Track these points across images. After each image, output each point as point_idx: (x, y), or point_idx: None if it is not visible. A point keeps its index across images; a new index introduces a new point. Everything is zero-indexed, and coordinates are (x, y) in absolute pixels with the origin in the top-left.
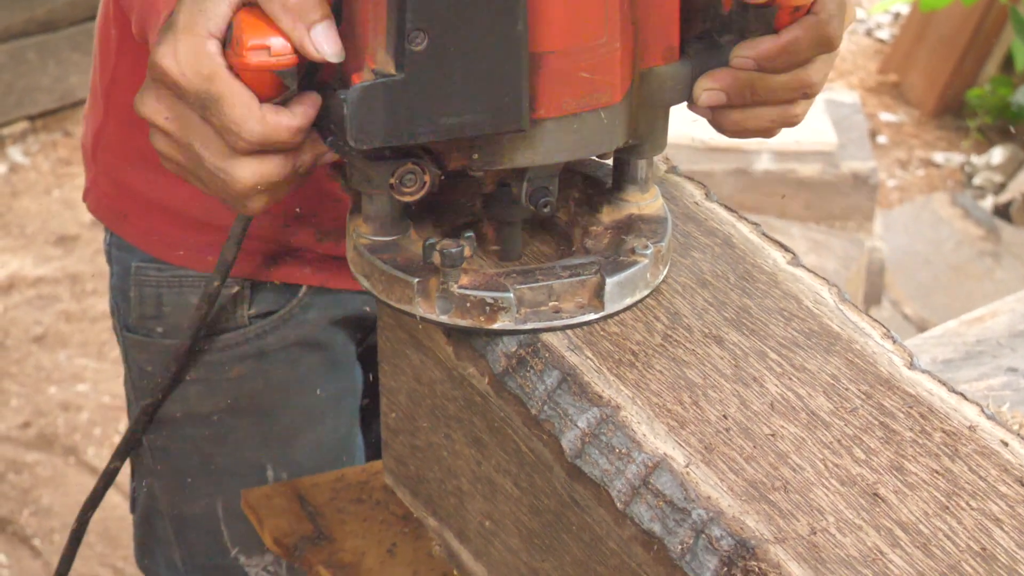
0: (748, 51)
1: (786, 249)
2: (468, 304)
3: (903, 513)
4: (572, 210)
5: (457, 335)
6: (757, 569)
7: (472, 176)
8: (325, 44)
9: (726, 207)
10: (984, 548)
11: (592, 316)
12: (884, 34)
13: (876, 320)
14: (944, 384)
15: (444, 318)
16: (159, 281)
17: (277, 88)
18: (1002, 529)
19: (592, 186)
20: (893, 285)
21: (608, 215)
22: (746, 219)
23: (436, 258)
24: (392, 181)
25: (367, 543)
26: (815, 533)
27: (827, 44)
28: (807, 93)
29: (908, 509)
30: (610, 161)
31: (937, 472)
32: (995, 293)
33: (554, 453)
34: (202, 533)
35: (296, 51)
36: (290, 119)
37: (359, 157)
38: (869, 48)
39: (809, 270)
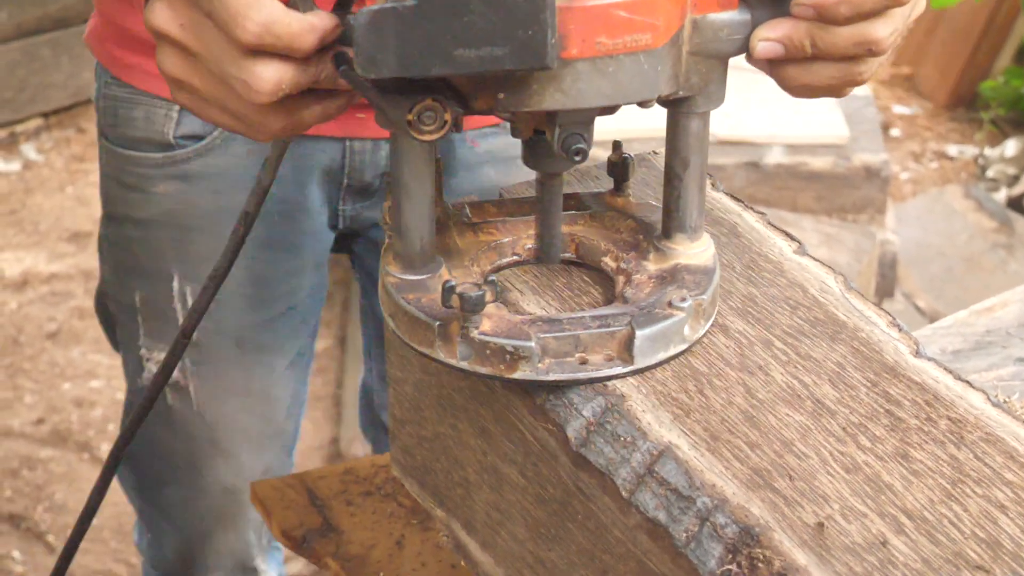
0: None
1: (792, 238)
2: (488, 351)
3: (908, 500)
4: (619, 255)
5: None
6: (762, 556)
7: (521, 215)
8: None
9: (732, 196)
10: (989, 535)
11: (620, 370)
12: None
13: (882, 308)
14: (950, 372)
15: (464, 364)
16: (119, 96)
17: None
18: (1007, 516)
19: (643, 231)
20: (906, 277)
21: (655, 263)
22: (752, 208)
23: (455, 302)
24: (410, 118)
25: (375, 535)
26: (820, 520)
27: None
28: (872, 50)
29: (913, 496)
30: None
31: (942, 459)
32: (1008, 285)
33: (560, 442)
34: (126, 320)
35: None
36: (301, 16)
37: (374, 91)
38: None
39: (815, 259)
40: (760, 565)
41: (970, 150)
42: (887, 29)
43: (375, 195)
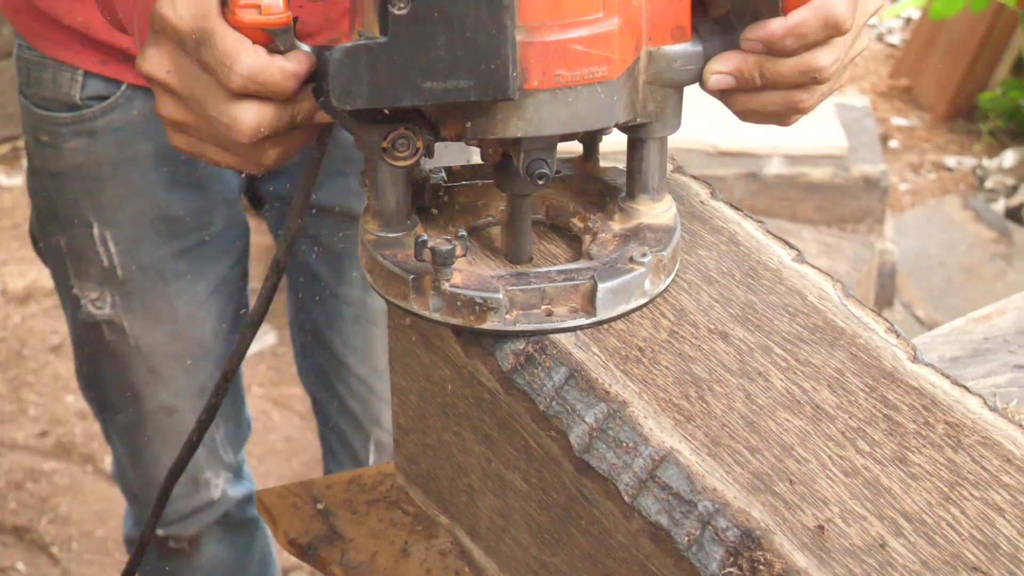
0: (756, 33)
1: (791, 246)
2: (459, 303)
3: (907, 503)
4: (586, 216)
5: (466, 334)
6: (763, 559)
7: (494, 181)
8: None
9: (731, 205)
10: (987, 537)
11: (584, 321)
12: (895, 39)
13: (880, 315)
14: (947, 377)
15: (436, 315)
16: (30, 59)
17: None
18: (1004, 518)
19: (609, 194)
20: (905, 287)
21: (619, 223)
22: (751, 217)
23: (427, 255)
24: (385, 145)
25: (380, 542)
26: (820, 523)
27: (835, 26)
28: (816, 78)
29: (912, 499)
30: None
31: (940, 463)
32: (1007, 295)
33: (562, 448)
34: (56, 263)
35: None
36: (283, 62)
37: (350, 119)
38: (880, 53)
39: (814, 266)
40: (761, 568)
41: (968, 161)
42: (830, 57)
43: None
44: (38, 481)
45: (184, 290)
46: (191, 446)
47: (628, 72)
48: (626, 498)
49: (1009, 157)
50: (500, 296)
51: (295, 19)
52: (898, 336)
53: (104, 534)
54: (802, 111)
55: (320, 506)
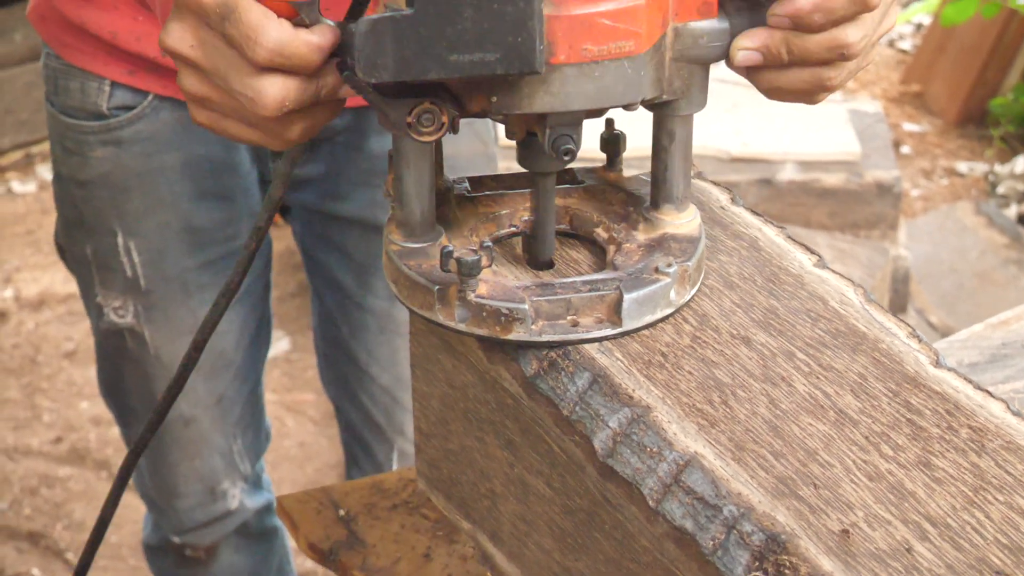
0: (783, 8)
1: (812, 252)
2: (484, 313)
3: (931, 507)
4: (610, 226)
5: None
6: (788, 563)
7: (519, 188)
8: None
9: (752, 211)
10: (1012, 541)
11: (609, 332)
12: (906, 44)
13: (901, 320)
14: (970, 382)
15: (462, 326)
16: (58, 68)
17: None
18: None
19: (633, 203)
20: (918, 293)
21: (644, 233)
22: (772, 223)
23: (453, 266)
24: (409, 120)
25: (402, 548)
26: (845, 528)
27: (863, 2)
28: (843, 54)
29: (936, 503)
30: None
31: (964, 467)
32: (1020, 301)
33: (586, 453)
34: (82, 270)
35: None
36: (308, 35)
37: (375, 94)
38: (892, 59)
39: (835, 271)
40: (787, 572)
41: (980, 167)
42: (858, 33)
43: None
44: (53, 487)
45: (207, 301)
46: (119, 485)
47: (655, 48)
48: (650, 502)
49: (1021, 163)
50: (526, 307)
51: None
52: (920, 341)
53: (118, 540)
54: (829, 89)
55: (341, 511)
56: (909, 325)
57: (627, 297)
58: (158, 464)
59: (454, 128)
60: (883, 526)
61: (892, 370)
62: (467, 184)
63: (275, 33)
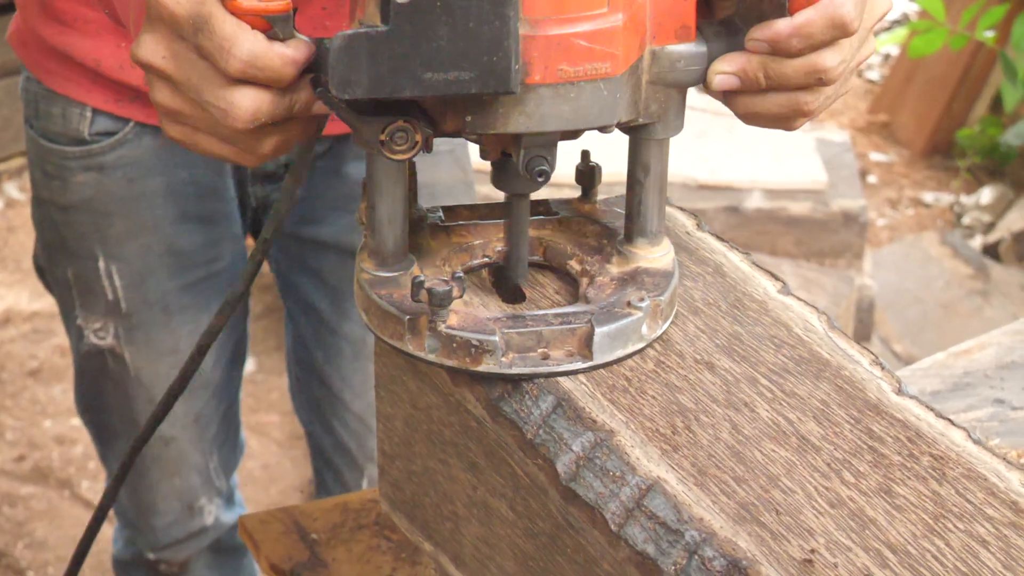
0: (761, 33)
1: (776, 278)
2: (454, 344)
3: (892, 534)
4: (584, 259)
5: None
6: None
7: (493, 219)
8: None
9: (717, 236)
10: (971, 569)
11: (580, 365)
12: (874, 75)
13: (865, 347)
14: (931, 409)
15: (432, 356)
16: (39, 92)
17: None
18: (988, 550)
19: (607, 236)
20: (883, 322)
21: (617, 266)
22: (737, 248)
23: (423, 296)
24: (383, 137)
25: (366, 569)
26: (807, 556)
27: (841, 27)
28: (821, 79)
29: (897, 531)
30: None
31: (925, 495)
32: (984, 331)
33: (549, 477)
34: (63, 292)
35: None
36: (282, 48)
37: (349, 111)
38: (859, 88)
39: (799, 298)
40: None
41: (946, 197)
42: (836, 59)
43: (279, 179)
44: (15, 506)
45: (188, 322)
46: (99, 517)
47: (631, 70)
48: (613, 527)
49: (986, 194)
50: (496, 338)
51: (294, 9)
52: (883, 368)
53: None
54: (807, 114)
55: (304, 532)
56: (872, 353)
57: (598, 331)
58: (136, 484)
59: (427, 147)
60: (844, 552)
61: (855, 397)
62: (440, 213)
63: (248, 45)
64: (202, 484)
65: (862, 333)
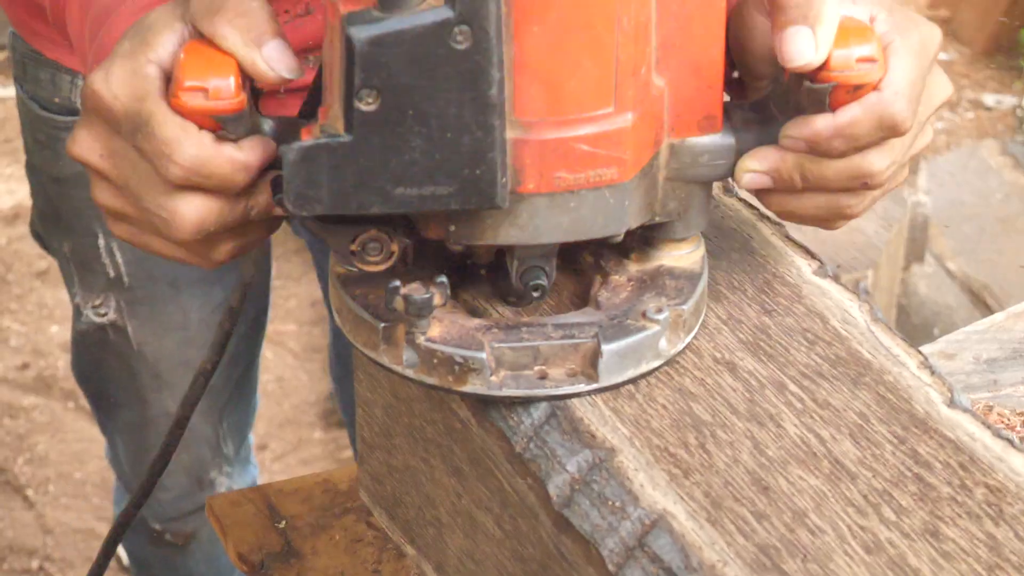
0: (798, 131)
1: (812, 256)
2: (435, 360)
3: None
4: (598, 251)
5: None
6: None
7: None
8: (278, 61)
9: (747, 203)
10: None
11: (583, 387)
12: None
13: (912, 346)
14: (988, 427)
15: (409, 372)
16: (27, 53)
17: None
18: None
19: None
20: (937, 238)
21: (636, 263)
22: (768, 218)
23: (399, 304)
24: (354, 248)
25: (347, 563)
26: None
27: (891, 128)
28: (868, 183)
29: None
30: None
31: (978, 538)
32: None
33: (540, 498)
34: (63, 264)
35: (245, 77)
36: (234, 151)
37: (313, 221)
38: None
39: (837, 281)
40: None
41: (1009, 100)
42: (884, 161)
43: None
44: (16, 417)
45: (198, 296)
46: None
47: (644, 171)
48: (610, 567)
49: None
50: (483, 356)
51: (257, 93)
52: (932, 373)
53: (83, 477)
54: (849, 217)
55: (278, 517)
56: (921, 353)
57: (606, 348)
58: (141, 457)
59: (405, 258)
60: None
61: (899, 410)
62: None
63: (192, 150)
64: (212, 457)
65: (915, 254)
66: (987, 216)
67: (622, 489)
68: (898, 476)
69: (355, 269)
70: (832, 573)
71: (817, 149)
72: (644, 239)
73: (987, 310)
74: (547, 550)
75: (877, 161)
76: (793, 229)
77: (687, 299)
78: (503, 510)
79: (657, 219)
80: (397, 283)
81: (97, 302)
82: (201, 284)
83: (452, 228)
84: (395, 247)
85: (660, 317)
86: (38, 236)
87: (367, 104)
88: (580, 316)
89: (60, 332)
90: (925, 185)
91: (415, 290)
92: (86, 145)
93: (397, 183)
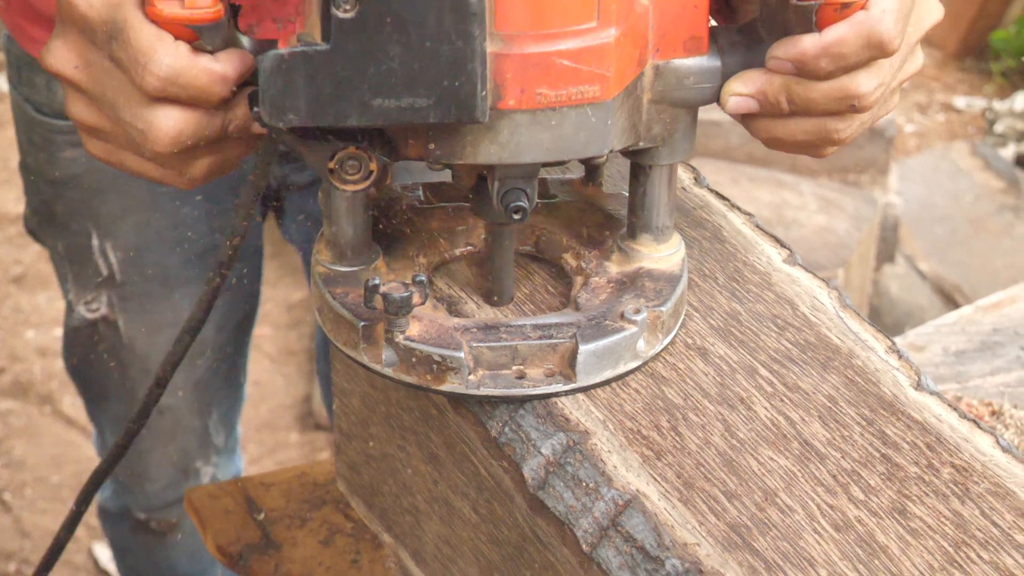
0: (784, 51)
1: (782, 245)
2: (414, 359)
3: (905, 566)
4: (580, 253)
5: None
6: None
7: (469, 205)
8: None
9: (717, 194)
10: None
11: (560, 387)
12: None
13: (880, 331)
14: (955, 409)
15: (388, 371)
16: (22, 57)
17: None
18: None
19: (610, 227)
20: (908, 239)
21: (617, 264)
22: (738, 208)
23: (377, 302)
24: (331, 166)
25: (325, 553)
26: None
27: (879, 47)
28: (855, 106)
29: (911, 561)
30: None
31: (944, 516)
32: (1015, 250)
33: (515, 482)
34: (57, 261)
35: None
36: (211, 62)
37: (291, 135)
38: None
39: (807, 269)
40: None
41: (978, 103)
42: (872, 82)
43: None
44: None
45: (190, 294)
46: (79, 510)
47: (627, 91)
48: (584, 547)
49: (1020, 100)
50: (461, 355)
51: (235, 6)
52: (900, 357)
53: (59, 480)
54: (836, 143)
55: (256, 509)
56: (889, 338)
57: (583, 348)
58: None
59: (383, 176)
60: None
61: (867, 392)
62: (420, 193)
63: (168, 59)
64: (199, 447)
65: (886, 254)
66: (958, 217)
67: (596, 471)
68: (866, 456)
69: (339, 188)
70: (802, 550)
71: (803, 70)
72: (629, 230)
73: None
74: (523, 532)
75: (865, 82)
76: (762, 221)
77: (666, 300)
78: (479, 494)
79: (642, 144)
80: (376, 281)
81: (89, 298)
82: (195, 283)
83: (431, 147)
84: (374, 166)
85: (638, 318)
86: (32, 232)
87: (345, 11)
88: (559, 317)
89: (36, 337)
90: (896, 186)
91: (394, 288)
92: (61, 56)
93: (375, 94)
